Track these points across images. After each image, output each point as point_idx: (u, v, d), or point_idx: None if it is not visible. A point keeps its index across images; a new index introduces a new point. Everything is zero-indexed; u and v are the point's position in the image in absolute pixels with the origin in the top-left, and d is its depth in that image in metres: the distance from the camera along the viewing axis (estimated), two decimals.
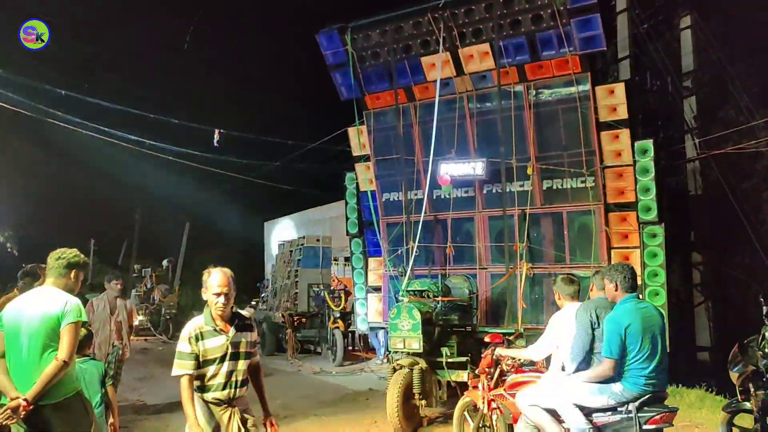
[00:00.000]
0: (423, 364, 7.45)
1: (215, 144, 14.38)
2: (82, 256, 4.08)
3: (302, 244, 16.59)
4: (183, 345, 3.75)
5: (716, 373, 9.82)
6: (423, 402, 7.37)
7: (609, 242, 8.71)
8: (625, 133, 8.56)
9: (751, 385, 5.43)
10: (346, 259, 16.65)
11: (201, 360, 3.72)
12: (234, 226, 30.81)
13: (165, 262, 23.66)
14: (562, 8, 8.46)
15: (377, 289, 10.82)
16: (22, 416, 3.45)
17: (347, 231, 11.31)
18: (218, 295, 3.74)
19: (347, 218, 11.27)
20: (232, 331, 3.81)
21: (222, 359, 3.76)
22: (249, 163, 19.58)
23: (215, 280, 3.77)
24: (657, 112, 14.18)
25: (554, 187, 9.13)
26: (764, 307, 5.62)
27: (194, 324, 3.80)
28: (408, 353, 7.56)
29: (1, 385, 3.59)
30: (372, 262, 10.99)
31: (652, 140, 8.72)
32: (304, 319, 14.98)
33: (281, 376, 11.89)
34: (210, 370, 3.75)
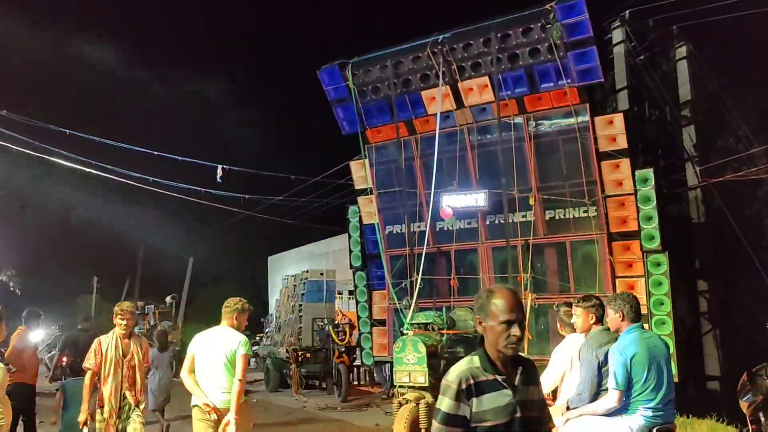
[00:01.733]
0: (429, 398, 7.36)
1: (218, 180, 14.49)
2: (243, 302, 5.14)
3: (306, 278, 16.55)
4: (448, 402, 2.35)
5: (727, 402, 9.69)
6: None
7: (613, 271, 8.70)
8: (625, 163, 8.62)
9: (761, 414, 5.37)
10: (350, 293, 16.59)
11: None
12: (237, 262, 30.83)
13: (168, 299, 23.57)
14: (559, 42, 8.60)
15: (382, 323, 10.77)
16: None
17: (351, 264, 11.30)
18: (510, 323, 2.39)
19: (351, 251, 11.28)
20: (518, 380, 2.45)
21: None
22: (252, 198, 19.69)
23: (504, 302, 2.44)
24: (656, 141, 14.28)
25: (557, 217, 9.16)
26: None
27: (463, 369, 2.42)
28: (414, 387, 7.48)
29: (196, 392, 4.95)
30: (376, 295, 10.96)
31: (652, 169, 8.80)
32: (308, 354, 14.84)
33: (286, 413, 11.75)
34: None
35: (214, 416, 4.84)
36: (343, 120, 10.76)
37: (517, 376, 2.42)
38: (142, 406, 5.47)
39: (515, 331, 2.41)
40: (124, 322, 5.41)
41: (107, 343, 5.39)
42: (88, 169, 14.18)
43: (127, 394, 5.39)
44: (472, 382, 2.35)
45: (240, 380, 4.89)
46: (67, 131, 13.78)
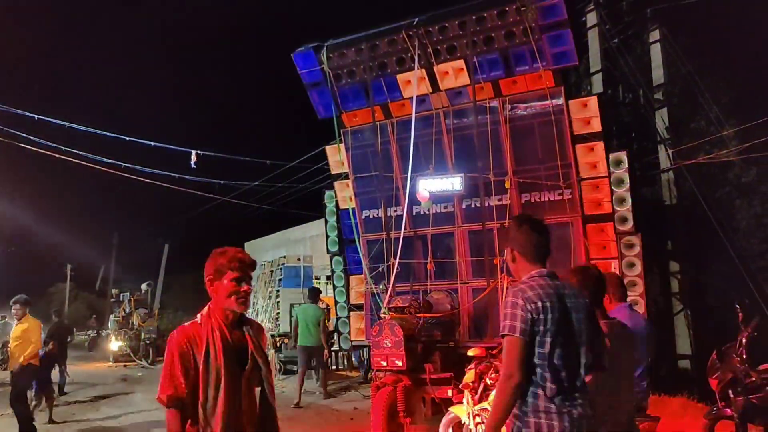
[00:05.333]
0: (407, 381, 7.41)
1: (192, 166, 14.31)
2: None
3: (283, 264, 16.49)
4: None
5: (698, 380, 9.91)
6: (408, 419, 7.32)
7: (588, 253, 8.79)
8: (599, 146, 8.68)
9: (730, 391, 5.48)
10: (328, 278, 16.59)
11: None
12: (213, 248, 30.53)
13: (144, 286, 23.30)
14: (533, 24, 8.59)
15: (359, 307, 10.77)
16: None
17: (328, 249, 11.27)
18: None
19: (327, 237, 11.23)
20: None
21: None
22: (227, 184, 19.51)
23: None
24: (630, 124, 14.43)
25: (532, 200, 9.20)
26: (740, 314, 5.70)
27: None
28: (391, 371, 7.51)
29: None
30: (353, 279, 10.95)
31: (626, 152, 8.87)
32: (286, 340, 14.83)
33: None
34: None
35: None
36: (318, 104, 10.65)
37: None
38: None
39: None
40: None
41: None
42: (58, 155, 13.90)
43: None
44: None
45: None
46: (36, 116, 13.47)
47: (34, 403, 9.03)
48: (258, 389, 2.90)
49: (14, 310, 8.20)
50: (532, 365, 2.79)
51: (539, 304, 2.81)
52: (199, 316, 2.88)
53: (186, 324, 2.88)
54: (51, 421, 9.20)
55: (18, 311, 8.15)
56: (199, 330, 2.80)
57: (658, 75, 13.70)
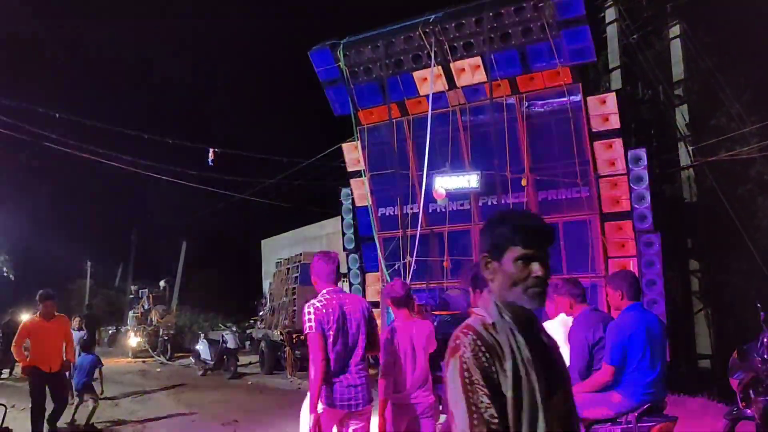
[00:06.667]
0: None
1: (210, 163, 14.41)
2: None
3: (299, 261, 16.53)
4: None
5: (718, 380, 9.78)
6: None
7: (606, 252, 8.72)
8: (618, 143, 8.60)
9: (751, 391, 5.40)
10: (344, 275, 16.60)
11: None
12: (230, 245, 30.75)
13: (162, 283, 23.51)
14: (551, 20, 8.53)
15: (375, 305, 10.77)
16: None
17: (344, 247, 11.29)
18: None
19: (344, 234, 11.26)
20: None
21: None
22: (244, 181, 19.62)
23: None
24: (649, 121, 14.25)
25: (549, 198, 9.15)
26: (762, 313, 5.61)
27: None
28: None
29: None
30: (369, 277, 10.97)
31: (645, 149, 8.78)
32: (302, 337, 14.87)
33: (281, 395, 11.80)
34: None
35: None
36: (334, 101, 10.67)
37: None
38: None
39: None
40: None
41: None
42: (80, 153, 14.08)
43: None
44: None
45: None
46: (57, 114, 13.66)
47: (76, 401, 8.72)
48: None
49: (51, 305, 7.37)
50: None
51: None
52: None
53: (472, 322, 1.83)
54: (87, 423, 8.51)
55: (54, 307, 7.45)
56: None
57: (677, 71, 13.51)
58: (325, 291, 4.25)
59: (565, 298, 4.73)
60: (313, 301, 4.22)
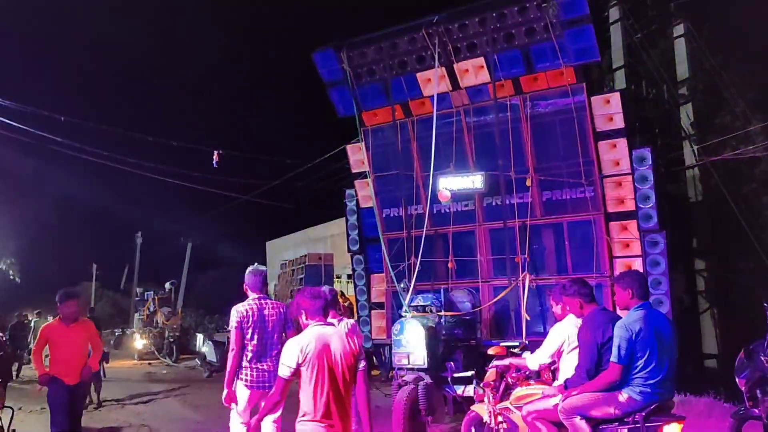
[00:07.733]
0: (428, 379, 7.39)
1: (214, 166, 14.45)
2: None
3: (304, 263, 16.57)
4: None
5: (724, 380, 9.74)
6: (429, 418, 7.30)
7: (611, 252, 8.70)
8: (622, 142, 8.58)
9: (758, 391, 5.38)
10: (349, 277, 16.61)
11: None
12: (235, 247, 30.82)
13: (167, 285, 23.58)
14: (554, 20, 8.51)
15: (380, 306, 10.78)
16: None
17: (348, 248, 11.29)
18: None
19: (348, 235, 11.26)
20: None
21: None
22: (249, 183, 19.66)
23: None
24: (654, 120, 14.22)
25: (553, 198, 9.13)
26: None
27: None
28: (412, 369, 7.50)
29: None
30: (374, 278, 10.96)
31: (649, 148, 8.74)
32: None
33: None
34: None
35: None
36: (338, 103, 10.67)
37: None
38: None
39: None
40: None
41: None
42: (84, 156, 14.14)
43: None
44: None
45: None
46: (62, 118, 13.70)
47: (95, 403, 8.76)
48: None
49: (74, 305, 6.35)
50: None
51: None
52: None
53: None
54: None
55: (77, 308, 6.42)
56: None
57: (682, 70, 13.49)
58: (251, 298, 5.37)
59: (575, 299, 4.72)
60: (238, 305, 5.30)
